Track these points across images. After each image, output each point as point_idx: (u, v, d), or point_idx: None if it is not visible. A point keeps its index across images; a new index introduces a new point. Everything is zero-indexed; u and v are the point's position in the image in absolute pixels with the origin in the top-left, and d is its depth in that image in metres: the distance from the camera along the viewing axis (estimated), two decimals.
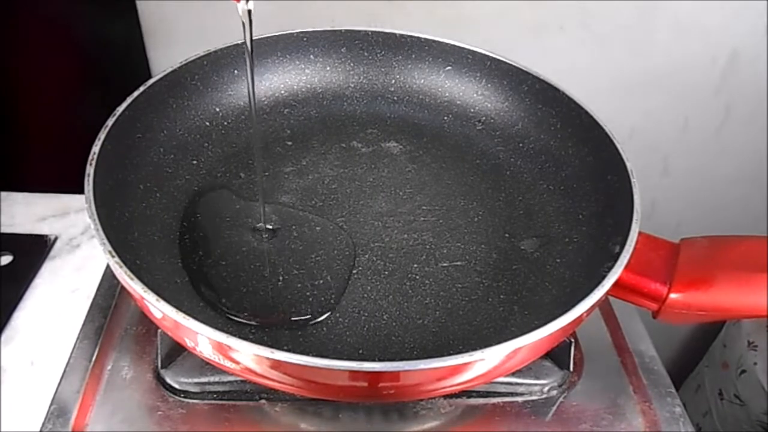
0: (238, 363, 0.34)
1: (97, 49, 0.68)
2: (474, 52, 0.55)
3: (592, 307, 0.36)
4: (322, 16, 0.72)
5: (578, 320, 0.35)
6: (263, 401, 0.42)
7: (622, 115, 0.82)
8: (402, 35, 0.55)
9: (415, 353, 0.40)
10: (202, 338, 0.33)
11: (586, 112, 0.49)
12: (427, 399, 0.42)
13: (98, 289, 0.49)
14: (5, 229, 0.54)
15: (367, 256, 0.45)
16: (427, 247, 0.46)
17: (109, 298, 0.48)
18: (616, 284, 0.37)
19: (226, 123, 0.52)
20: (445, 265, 0.45)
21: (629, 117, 0.83)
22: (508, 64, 0.54)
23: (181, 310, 0.33)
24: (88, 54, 0.68)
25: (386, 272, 0.44)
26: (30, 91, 0.68)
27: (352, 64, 0.56)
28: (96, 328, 0.46)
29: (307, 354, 0.31)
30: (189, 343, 0.35)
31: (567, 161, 0.51)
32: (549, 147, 0.52)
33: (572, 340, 0.43)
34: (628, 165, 0.44)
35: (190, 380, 0.42)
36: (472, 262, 0.45)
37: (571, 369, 0.44)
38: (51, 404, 0.41)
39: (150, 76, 0.47)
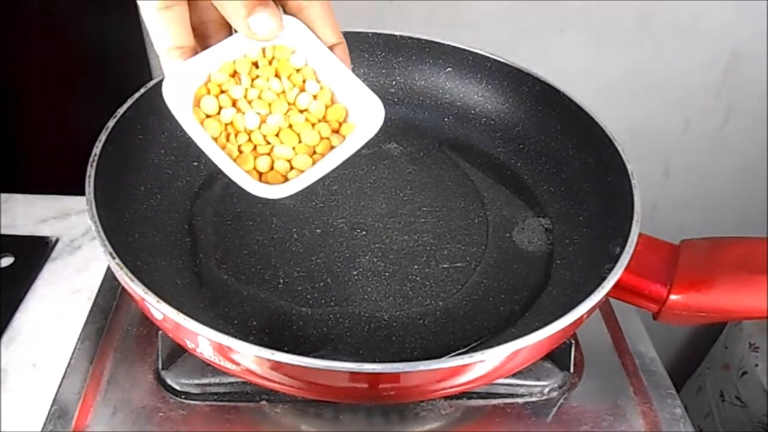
0: (238, 364, 0.34)
1: (97, 50, 0.68)
2: (475, 54, 0.55)
3: (593, 309, 0.36)
4: None
5: (579, 321, 0.35)
6: (264, 402, 0.42)
7: (622, 116, 0.82)
8: (402, 37, 0.55)
9: (415, 354, 0.40)
10: (203, 339, 0.33)
11: (587, 114, 0.49)
12: (428, 400, 0.42)
13: (99, 291, 0.49)
14: (6, 231, 0.54)
15: (367, 257, 0.45)
16: (428, 248, 0.46)
17: (110, 300, 0.48)
18: (617, 285, 0.37)
19: None
20: (445, 266, 0.45)
21: (630, 118, 0.83)
22: (509, 65, 0.54)
23: (181, 312, 0.33)
24: (88, 56, 0.68)
25: (387, 273, 0.44)
26: (31, 92, 0.68)
27: (352, 66, 0.56)
28: (97, 330, 0.46)
29: (307, 355, 0.31)
30: (189, 345, 0.35)
31: (567, 162, 0.51)
32: (550, 148, 0.52)
33: (573, 341, 0.43)
34: (629, 166, 0.44)
35: (190, 381, 0.42)
36: (473, 263, 0.46)
37: (572, 370, 0.44)
38: (52, 405, 0.41)
39: (151, 78, 0.48)
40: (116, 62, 0.69)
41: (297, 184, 0.34)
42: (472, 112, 0.56)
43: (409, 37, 0.55)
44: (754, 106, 0.83)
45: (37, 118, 0.70)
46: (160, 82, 0.47)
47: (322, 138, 0.35)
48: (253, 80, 0.35)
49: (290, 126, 0.35)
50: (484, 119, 0.56)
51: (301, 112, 0.35)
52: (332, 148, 0.35)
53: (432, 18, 0.74)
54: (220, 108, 0.34)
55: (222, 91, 0.34)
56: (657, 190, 0.92)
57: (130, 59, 0.69)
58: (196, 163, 0.50)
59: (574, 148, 0.51)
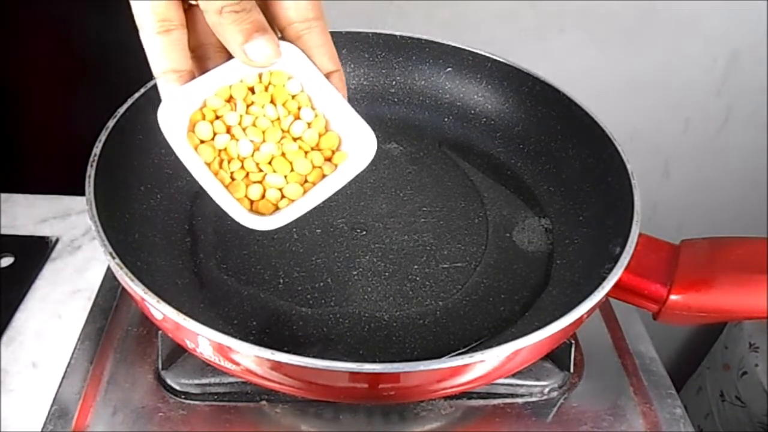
0: (238, 364, 0.34)
1: (97, 50, 0.67)
2: (474, 54, 0.55)
3: (593, 309, 0.36)
4: None
5: (579, 321, 0.35)
6: (264, 402, 0.42)
7: (622, 116, 0.82)
8: (402, 37, 0.55)
9: (415, 354, 0.40)
10: (203, 339, 0.33)
11: (587, 114, 0.49)
12: (428, 400, 0.42)
13: (99, 291, 0.49)
14: (7, 231, 0.54)
15: (367, 257, 0.45)
16: (428, 248, 0.46)
17: (110, 300, 0.48)
18: (617, 285, 0.37)
19: None
20: (445, 266, 0.45)
21: (630, 118, 0.83)
22: (509, 65, 0.54)
23: (181, 312, 0.33)
24: (88, 55, 0.68)
25: (387, 273, 0.44)
26: (31, 92, 0.68)
27: (352, 66, 0.56)
28: (97, 330, 0.46)
29: (307, 355, 0.31)
30: (189, 345, 0.35)
31: (567, 162, 0.51)
32: (549, 148, 0.52)
33: (573, 341, 0.43)
34: (629, 166, 0.44)
35: (190, 381, 0.42)
36: (473, 263, 0.46)
37: (572, 370, 0.44)
38: (52, 405, 0.41)
39: (151, 78, 0.47)
40: (116, 62, 0.69)
41: (286, 216, 0.33)
42: (472, 112, 0.56)
43: (409, 37, 0.55)
44: (754, 106, 0.83)
45: (37, 118, 0.70)
46: None
47: (314, 167, 0.35)
48: (248, 107, 0.34)
49: (283, 154, 0.34)
50: (484, 119, 0.56)
51: (295, 140, 0.35)
52: (324, 176, 0.35)
53: (432, 18, 0.74)
54: (215, 134, 0.34)
55: (217, 117, 0.34)
56: (657, 190, 0.92)
57: (130, 59, 0.69)
58: None
59: (574, 148, 0.51)
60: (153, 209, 0.45)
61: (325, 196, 0.34)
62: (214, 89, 0.34)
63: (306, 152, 0.35)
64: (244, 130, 0.34)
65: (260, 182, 0.34)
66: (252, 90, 0.35)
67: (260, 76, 0.35)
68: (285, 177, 0.34)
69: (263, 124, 0.34)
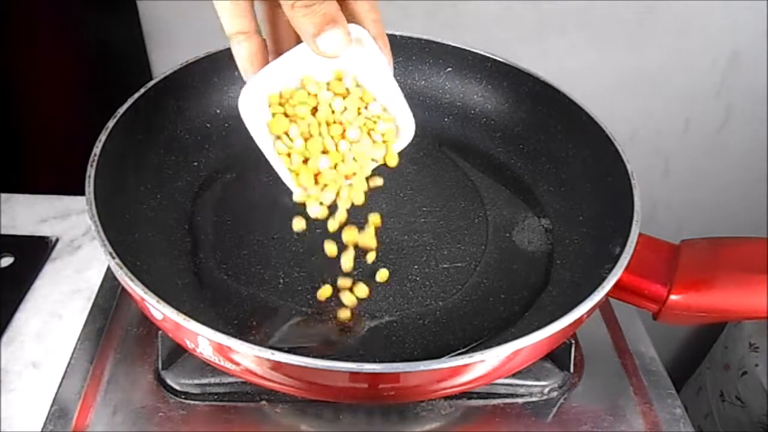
0: (238, 364, 0.34)
1: (98, 51, 0.68)
2: (475, 54, 0.55)
3: (593, 309, 0.36)
4: None
5: (579, 321, 0.35)
6: (264, 402, 0.42)
7: (622, 116, 0.82)
8: (403, 37, 0.55)
9: (415, 354, 0.40)
10: (203, 339, 0.33)
11: (587, 114, 0.49)
12: (428, 400, 0.42)
13: (99, 291, 0.49)
14: (7, 231, 0.54)
15: (367, 257, 0.45)
16: (428, 248, 0.46)
17: (110, 300, 0.48)
18: (617, 286, 0.37)
19: (226, 125, 0.52)
20: (445, 266, 0.45)
21: (630, 118, 0.83)
22: (509, 65, 0.54)
23: (181, 312, 0.33)
24: (89, 56, 0.68)
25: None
26: (32, 92, 0.68)
27: None
28: (97, 330, 0.46)
29: (307, 355, 0.31)
30: (189, 345, 0.35)
31: (567, 162, 0.51)
32: (549, 148, 0.52)
33: (573, 341, 0.43)
34: (629, 166, 0.44)
35: (190, 381, 0.42)
36: (473, 263, 0.46)
37: (572, 370, 0.44)
38: (52, 405, 0.41)
39: (151, 78, 0.48)
40: (116, 62, 0.69)
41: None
42: (472, 112, 0.56)
43: (409, 37, 0.55)
44: (754, 106, 0.83)
45: (38, 118, 0.70)
46: (160, 82, 0.47)
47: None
48: (315, 108, 0.37)
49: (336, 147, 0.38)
50: (484, 119, 0.56)
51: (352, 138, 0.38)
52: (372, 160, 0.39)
53: (432, 18, 0.74)
54: (288, 123, 0.37)
55: (287, 114, 0.37)
56: (657, 190, 0.92)
57: (130, 59, 0.70)
58: (196, 163, 0.50)
59: (574, 148, 0.51)
60: (153, 209, 0.45)
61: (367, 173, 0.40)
62: (289, 75, 0.36)
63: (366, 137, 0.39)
64: (309, 126, 0.37)
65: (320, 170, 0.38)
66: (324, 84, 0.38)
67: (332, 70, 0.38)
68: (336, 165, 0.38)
69: (335, 119, 0.38)
